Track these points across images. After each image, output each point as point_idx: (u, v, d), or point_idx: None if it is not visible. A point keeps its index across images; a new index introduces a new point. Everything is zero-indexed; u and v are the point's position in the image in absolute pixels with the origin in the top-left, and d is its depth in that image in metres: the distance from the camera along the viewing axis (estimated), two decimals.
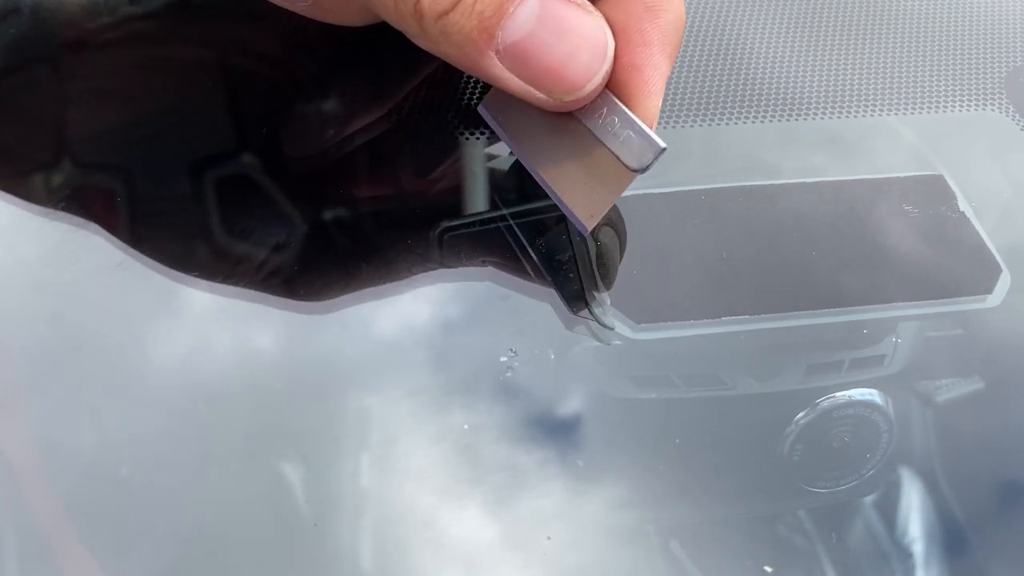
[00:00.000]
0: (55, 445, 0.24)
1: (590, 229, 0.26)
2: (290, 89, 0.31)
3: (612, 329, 0.26)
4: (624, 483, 0.24)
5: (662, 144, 0.24)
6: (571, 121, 0.25)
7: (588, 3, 0.24)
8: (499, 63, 0.24)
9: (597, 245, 0.28)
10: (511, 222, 0.28)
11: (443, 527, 0.23)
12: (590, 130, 0.25)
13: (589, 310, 0.27)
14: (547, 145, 0.26)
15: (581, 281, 0.27)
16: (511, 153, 0.28)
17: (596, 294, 0.27)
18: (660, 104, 0.25)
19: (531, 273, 0.27)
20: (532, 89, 0.24)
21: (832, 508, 0.25)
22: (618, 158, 0.25)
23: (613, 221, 0.29)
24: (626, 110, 0.25)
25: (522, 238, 0.28)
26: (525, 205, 0.28)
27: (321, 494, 0.23)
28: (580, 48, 0.24)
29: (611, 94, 0.25)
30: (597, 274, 0.28)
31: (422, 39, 0.25)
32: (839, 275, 0.29)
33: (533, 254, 0.27)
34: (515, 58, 0.24)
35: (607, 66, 0.24)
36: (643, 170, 0.24)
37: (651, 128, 0.25)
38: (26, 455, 0.24)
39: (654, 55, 0.25)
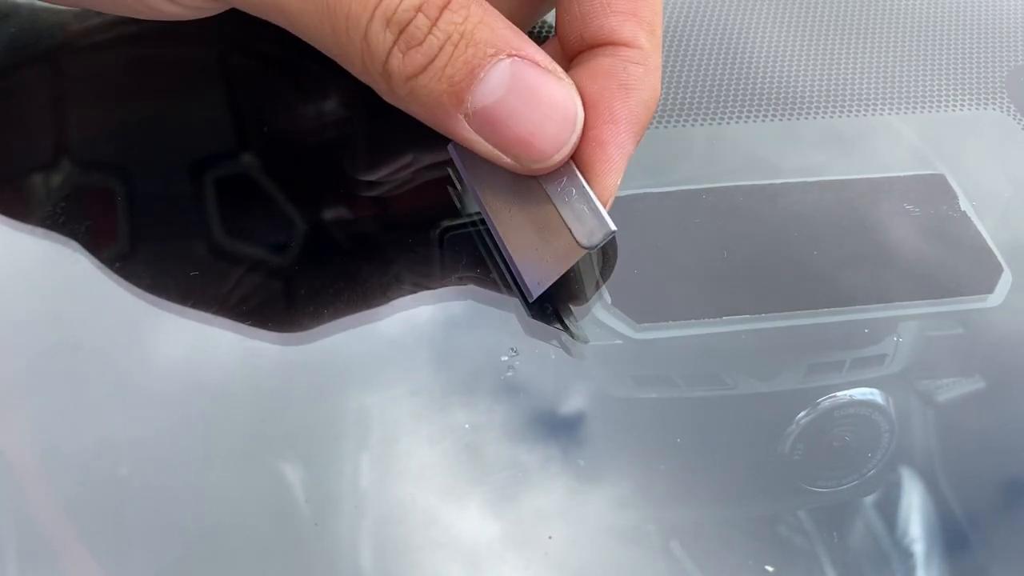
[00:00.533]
0: (54, 445, 0.24)
1: (535, 297, 0.26)
2: (290, 89, 0.31)
3: (586, 343, 0.26)
4: (625, 483, 0.24)
5: (612, 227, 0.24)
6: (532, 183, 0.25)
7: (560, 69, 0.24)
8: (468, 126, 0.24)
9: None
10: None
11: (444, 527, 0.23)
12: (549, 196, 0.25)
13: (561, 321, 0.26)
14: (507, 202, 0.26)
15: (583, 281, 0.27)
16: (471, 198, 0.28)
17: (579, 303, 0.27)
18: (619, 182, 0.25)
19: None
20: (500, 154, 0.24)
21: (833, 508, 0.25)
22: (571, 231, 0.25)
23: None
24: (584, 184, 0.25)
25: None
26: None
27: (321, 494, 0.23)
28: (549, 118, 0.24)
29: (573, 164, 0.25)
30: (598, 273, 0.28)
31: (390, 97, 0.25)
32: (840, 274, 0.29)
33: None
34: (484, 123, 0.24)
35: (575, 138, 0.24)
36: (593, 248, 0.24)
37: (606, 206, 0.25)
38: (25, 455, 0.24)
39: (620, 134, 0.25)
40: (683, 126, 0.32)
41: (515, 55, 0.23)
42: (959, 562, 0.24)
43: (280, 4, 0.24)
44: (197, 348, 0.25)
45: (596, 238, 0.24)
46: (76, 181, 0.28)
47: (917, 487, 0.25)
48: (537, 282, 0.26)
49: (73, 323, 0.26)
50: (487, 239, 0.27)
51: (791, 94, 0.33)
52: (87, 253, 0.27)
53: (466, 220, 0.28)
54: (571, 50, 0.26)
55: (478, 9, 0.24)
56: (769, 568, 0.23)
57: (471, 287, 0.27)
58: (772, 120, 0.33)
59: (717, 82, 0.33)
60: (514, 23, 0.25)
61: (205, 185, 0.29)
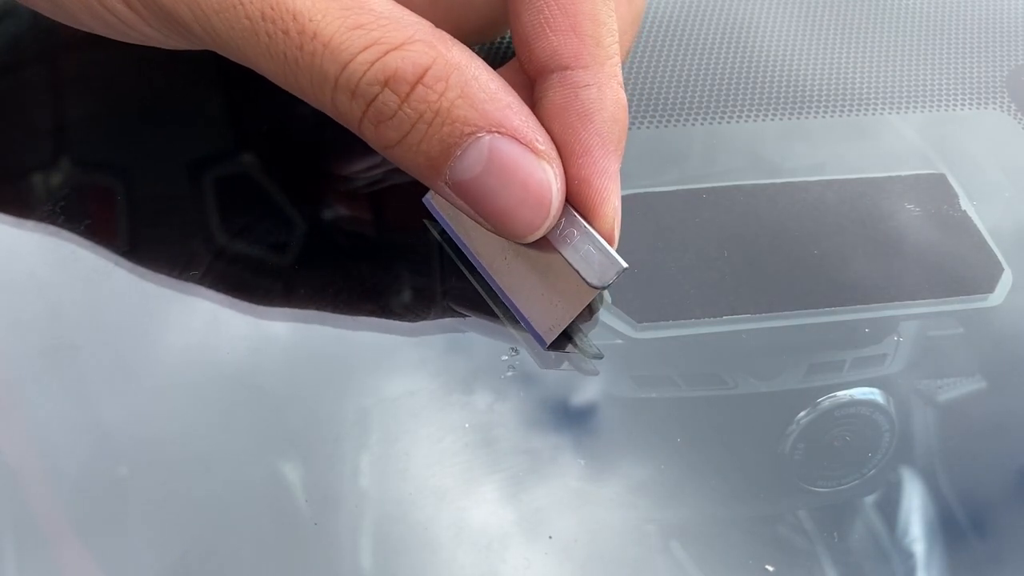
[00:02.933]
0: (54, 444, 0.24)
1: (549, 343, 0.26)
2: None
3: (601, 358, 0.26)
4: (625, 482, 0.24)
5: (623, 264, 0.24)
6: None
7: (541, 140, 0.23)
8: (451, 191, 0.24)
9: None
10: None
11: (443, 526, 0.23)
12: (548, 240, 0.24)
13: (572, 339, 0.26)
14: (501, 251, 0.26)
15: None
16: (461, 251, 0.27)
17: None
18: (618, 205, 0.24)
19: None
20: (482, 221, 0.24)
21: (833, 507, 0.25)
22: (579, 273, 0.24)
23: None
24: (585, 225, 0.24)
25: None
26: None
27: (321, 494, 0.23)
28: (524, 202, 0.23)
29: (569, 206, 0.24)
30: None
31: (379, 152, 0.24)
32: (840, 274, 0.29)
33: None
34: (463, 194, 0.23)
35: (550, 221, 0.24)
36: (605, 287, 0.24)
37: (613, 235, 0.24)
38: (24, 454, 0.24)
39: (598, 162, 0.24)
40: (683, 126, 0.32)
41: (495, 131, 0.23)
42: (959, 562, 0.24)
43: (250, 60, 0.24)
44: (196, 348, 0.25)
45: (609, 276, 0.24)
46: (76, 180, 0.28)
47: (917, 487, 0.25)
48: (549, 328, 0.25)
49: (73, 323, 0.26)
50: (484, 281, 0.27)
51: (791, 93, 0.33)
52: (87, 252, 0.27)
53: None
54: (529, 75, 0.25)
55: (458, 79, 0.23)
56: (769, 568, 0.23)
57: (471, 287, 0.27)
58: (772, 119, 0.32)
59: (717, 81, 0.33)
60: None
61: (205, 184, 0.29)
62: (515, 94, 0.24)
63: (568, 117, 0.24)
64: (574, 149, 0.24)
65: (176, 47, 0.26)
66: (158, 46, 0.26)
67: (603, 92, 0.24)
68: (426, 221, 0.28)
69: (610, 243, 0.24)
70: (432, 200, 0.27)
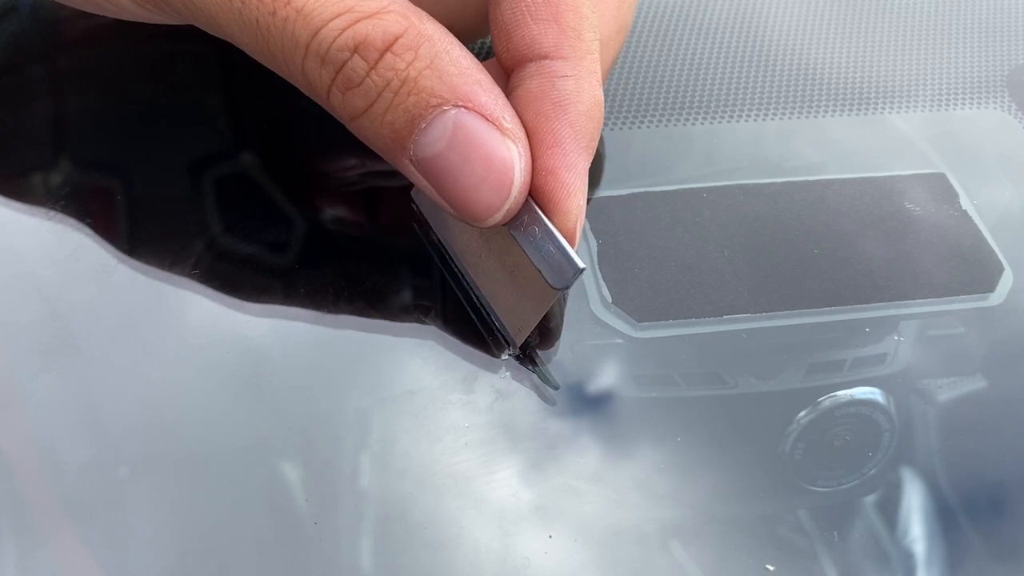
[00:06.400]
0: (54, 444, 0.24)
1: (519, 343, 0.25)
2: (291, 86, 0.31)
3: (557, 388, 0.26)
4: (625, 481, 0.24)
5: (580, 265, 0.23)
6: (496, 227, 0.24)
7: (508, 118, 0.23)
8: (415, 171, 0.23)
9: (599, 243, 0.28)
10: None
11: (443, 526, 0.23)
12: (514, 238, 0.24)
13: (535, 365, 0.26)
14: (474, 249, 0.26)
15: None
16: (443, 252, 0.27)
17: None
18: (583, 201, 0.24)
19: None
20: (444, 204, 0.23)
21: (833, 507, 0.25)
22: (540, 273, 0.24)
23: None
24: (547, 222, 0.23)
25: None
26: None
27: (321, 493, 0.23)
28: (486, 181, 0.23)
29: (532, 202, 0.24)
30: (599, 273, 0.28)
31: (347, 126, 0.24)
32: (841, 273, 0.29)
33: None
34: (426, 173, 0.23)
35: (511, 202, 0.23)
36: (564, 289, 0.24)
37: (576, 231, 0.24)
38: (24, 454, 0.24)
39: (568, 154, 0.24)
40: (683, 126, 0.32)
41: (461, 105, 0.22)
42: (959, 562, 0.24)
43: (223, 28, 0.24)
44: (197, 347, 0.25)
45: (566, 278, 0.23)
46: (76, 180, 0.28)
47: (917, 487, 0.25)
48: (518, 329, 0.25)
49: (73, 323, 0.26)
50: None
51: (792, 93, 0.33)
52: (87, 252, 0.27)
53: None
54: (506, 66, 0.25)
55: (428, 50, 0.22)
56: (769, 567, 0.23)
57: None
58: (772, 119, 0.32)
59: (717, 81, 0.33)
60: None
61: (205, 184, 0.29)
62: (487, 73, 0.23)
63: (542, 105, 0.24)
64: (544, 139, 0.23)
65: (153, 20, 0.26)
66: (136, 20, 0.26)
67: (581, 85, 0.24)
68: (414, 224, 0.28)
69: (571, 242, 0.23)
70: (416, 197, 0.27)
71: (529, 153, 0.23)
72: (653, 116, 0.32)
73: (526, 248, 0.24)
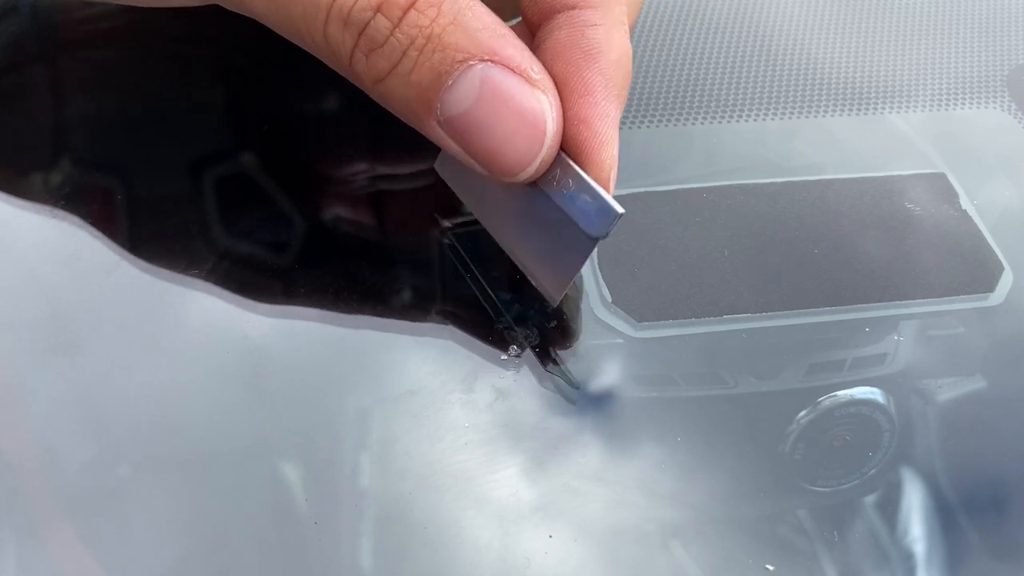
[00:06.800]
0: (54, 444, 0.24)
1: (558, 301, 0.25)
2: (291, 86, 0.31)
3: (577, 388, 0.26)
4: (625, 481, 0.24)
5: (619, 209, 0.23)
6: (526, 184, 0.24)
7: (537, 69, 0.23)
8: (441, 132, 0.23)
9: None
10: None
11: (443, 526, 0.23)
12: (546, 193, 0.24)
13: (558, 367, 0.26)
14: (505, 210, 0.25)
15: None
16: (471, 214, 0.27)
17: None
18: (616, 151, 0.23)
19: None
20: (474, 163, 0.23)
21: (833, 507, 0.25)
22: (576, 224, 0.23)
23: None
24: (580, 171, 0.23)
25: None
26: None
27: (321, 493, 0.23)
28: (518, 134, 0.22)
29: (564, 154, 0.23)
30: (599, 273, 0.28)
31: (370, 94, 0.24)
32: (841, 273, 0.29)
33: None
34: (455, 132, 0.23)
35: (546, 152, 0.23)
36: (604, 237, 0.23)
37: (610, 182, 0.23)
38: (25, 454, 0.24)
39: (599, 103, 0.23)
40: (683, 125, 0.32)
41: (487, 60, 0.22)
42: (959, 562, 0.24)
43: (244, 2, 0.24)
44: (197, 347, 0.25)
45: (606, 225, 0.23)
46: (76, 180, 0.28)
47: (917, 487, 0.25)
48: (556, 284, 0.25)
49: (73, 323, 0.26)
50: (488, 238, 0.27)
51: (792, 92, 0.33)
52: (87, 252, 0.27)
53: (467, 219, 0.28)
54: (533, 23, 0.24)
55: (451, 6, 0.22)
56: (769, 567, 0.23)
57: (471, 287, 0.27)
58: (772, 118, 0.32)
59: (717, 80, 0.33)
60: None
61: (206, 184, 0.29)
62: (510, 29, 0.23)
63: (572, 55, 0.23)
64: (576, 88, 0.23)
65: (177, 3, 0.26)
66: (162, 5, 0.26)
67: (611, 34, 0.24)
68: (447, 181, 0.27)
69: (606, 191, 0.23)
70: (441, 165, 0.27)
71: (559, 103, 0.23)
72: (653, 116, 0.32)
73: (558, 200, 0.23)
